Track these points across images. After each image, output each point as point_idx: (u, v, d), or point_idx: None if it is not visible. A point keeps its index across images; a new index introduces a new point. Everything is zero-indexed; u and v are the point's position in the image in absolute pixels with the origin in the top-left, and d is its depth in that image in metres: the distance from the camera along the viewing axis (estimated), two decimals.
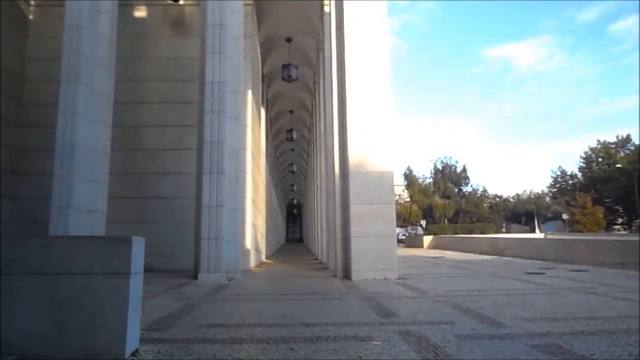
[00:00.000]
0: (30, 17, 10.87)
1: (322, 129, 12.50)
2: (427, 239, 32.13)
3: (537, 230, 58.31)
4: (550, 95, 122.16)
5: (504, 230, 63.32)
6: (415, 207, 63.26)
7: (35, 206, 8.67)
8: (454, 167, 70.41)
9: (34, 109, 10.13)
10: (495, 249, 18.80)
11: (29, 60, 10.56)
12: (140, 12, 11.31)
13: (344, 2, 8.12)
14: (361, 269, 7.34)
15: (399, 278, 7.30)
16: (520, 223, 69.19)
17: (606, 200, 58.29)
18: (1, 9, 9.43)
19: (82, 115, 7.66)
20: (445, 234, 40.34)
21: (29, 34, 10.71)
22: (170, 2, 9.96)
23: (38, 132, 9.75)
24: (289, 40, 14.38)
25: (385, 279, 7.20)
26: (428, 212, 64.58)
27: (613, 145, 63.89)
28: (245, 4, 9.52)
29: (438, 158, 74.78)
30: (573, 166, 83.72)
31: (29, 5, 10.86)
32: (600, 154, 64.91)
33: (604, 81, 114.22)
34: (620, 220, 60.81)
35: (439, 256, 16.45)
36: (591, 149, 66.52)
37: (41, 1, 10.93)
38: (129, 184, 10.04)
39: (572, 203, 58.47)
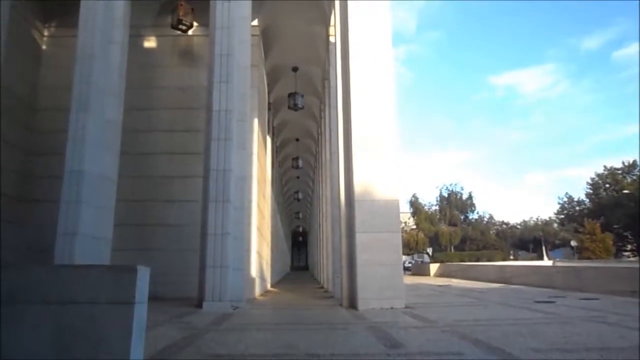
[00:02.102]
0: (44, 47, 11.15)
1: (328, 157, 12.57)
2: (434, 267, 31.78)
3: (545, 257, 57.57)
4: (557, 122, 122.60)
5: (511, 257, 62.64)
6: (421, 235, 62.83)
7: (42, 233, 8.69)
8: (459, 194, 70.27)
9: (45, 137, 10.27)
10: (503, 276, 18.54)
11: (42, 89, 10.78)
12: (150, 43, 11.57)
13: (349, 33, 8.28)
14: (367, 298, 7.24)
15: (406, 307, 7.20)
16: (527, 250, 68.43)
17: (615, 226, 57.67)
18: (17, 41, 9.68)
19: (91, 143, 7.76)
20: (452, 262, 39.92)
21: (42, 64, 10.97)
22: (180, 33, 10.18)
23: (48, 160, 9.86)
24: (295, 69, 14.61)
25: (392, 308, 7.09)
26: (434, 240, 64.15)
27: (620, 171, 63.60)
28: (253, 35, 9.72)
29: (443, 185, 74.62)
30: (580, 192, 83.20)
31: (43, 36, 11.16)
32: (607, 179, 64.59)
33: (609, 108, 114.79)
34: (629, 247, 59.98)
35: (446, 284, 16.24)
36: (598, 175, 66.25)
37: (55, 32, 11.22)
38: (135, 211, 10.07)
39: (581, 230, 57.85)
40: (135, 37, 10.24)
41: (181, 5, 9.69)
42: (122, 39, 8.73)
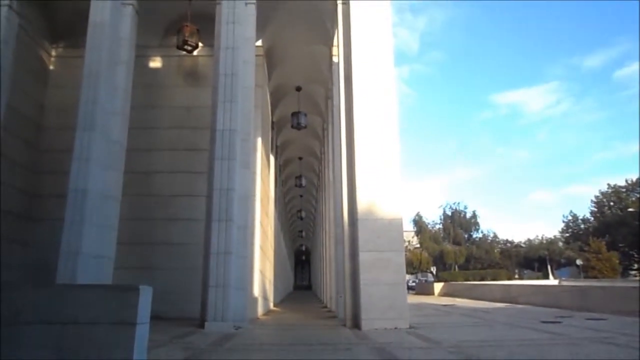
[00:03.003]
0: (51, 67, 11.31)
1: (331, 176, 12.58)
2: (438, 286, 31.52)
3: (550, 276, 56.98)
4: (560, 140, 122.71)
5: (516, 276, 61.98)
6: (425, 254, 62.42)
7: (45, 251, 8.68)
8: (463, 213, 69.93)
9: (50, 156, 10.35)
10: (508, 296, 18.35)
11: (48, 108, 10.90)
12: (156, 63, 11.73)
13: (352, 53, 8.37)
14: (371, 318, 7.17)
15: (410, 327, 7.11)
16: (533, 269, 67.69)
17: (620, 245, 57.12)
18: (25, 61, 9.82)
19: (96, 162, 7.82)
20: (456, 281, 39.55)
21: (49, 83, 11.11)
22: (185, 53, 10.31)
23: (52, 179, 9.91)
24: (298, 89, 14.73)
25: (395, 328, 7.01)
26: (438, 259, 63.64)
27: (624, 189, 63.29)
28: (257, 55, 9.82)
29: (447, 204, 74.28)
30: (584, 211, 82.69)
31: (51, 56, 11.32)
32: (612, 198, 64.25)
33: (612, 126, 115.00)
34: (636, 266, 59.28)
35: (451, 304, 16.06)
36: (602, 193, 65.92)
37: (62, 52, 11.39)
38: (138, 230, 10.07)
39: (586, 248, 57.28)
40: (141, 57, 10.39)
41: (187, 26, 9.82)
42: (128, 59, 8.86)
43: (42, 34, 10.86)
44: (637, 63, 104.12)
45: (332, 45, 11.32)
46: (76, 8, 9.59)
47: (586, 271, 54.34)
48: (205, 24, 9.65)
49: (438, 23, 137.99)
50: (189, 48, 10.03)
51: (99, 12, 8.45)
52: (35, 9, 10.17)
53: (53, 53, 11.39)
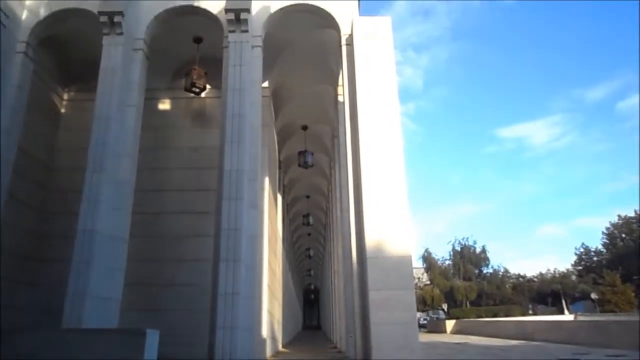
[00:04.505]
0: (63, 110, 11.57)
1: (339, 214, 12.56)
2: (450, 324, 30.83)
3: (565, 311, 55.56)
4: (567, 173, 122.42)
5: (530, 312, 60.52)
6: (436, 291, 61.37)
7: (52, 293, 8.64)
8: (472, 248, 69.13)
9: (59, 197, 10.44)
10: (523, 332, 17.86)
11: (58, 150, 11.09)
12: (164, 105, 11.97)
13: (357, 93, 8.50)
14: (382, 358, 6.98)
15: None
16: (546, 304, 66.08)
17: (634, 277, 55.86)
18: (37, 104, 10.07)
19: (104, 203, 7.90)
20: (469, 318, 38.69)
21: (60, 126, 11.34)
22: (193, 95, 10.54)
23: (61, 219, 9.95)
24: (304, 128, 14.91)
25: None
26: (449, 295, 62.49)
27: (634, 220, 62.48)
28: (263, 96, 10.01)
29: (456, 239, 73.36)
30: (595, 242, 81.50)
31: (63, 100, 11.61)
32: (623, 229, 63.36)
33: (619, 157, 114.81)
34: None
35: (464, 342, 15.65)
36: (613, 225, 65.14)
37: (74, 96, 11.68)
38: (145, 271, 10.00)
39: (600, 281, 56.08)
40: (150, 100, 10.60)
41: (195, 69, 10.08)
42: (138, 101, 9.06)
43: (55, 78, 11.18)
44: (638, 95, 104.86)
45: (337, 85, 11.54)
46: (88, 54, 9.92)
47: (602, 305, 52.99)
48: (212, 67, 9.90)
49: (441, 60, 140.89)
50: (197, 90, 10.26)
51: (111, 58, 8.73)
52: (49, 54, 10.49)
53: (65, 97, 11.68)
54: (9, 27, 8.85)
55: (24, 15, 9.35)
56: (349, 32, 9.11)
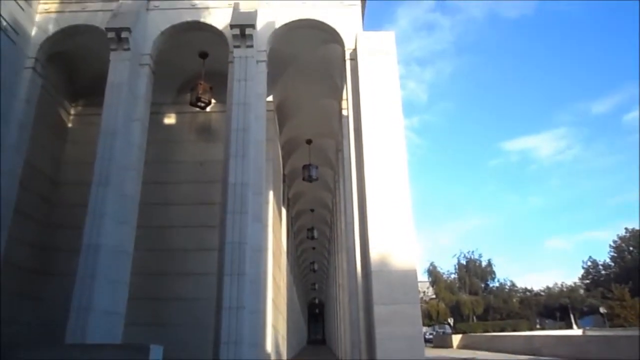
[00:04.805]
0: (70, 125, 11.68)
1: (343, 227, 12.52)
2: (456, 338, 30.52)
3: (574, 326, 54.84)
4: (573, 186, 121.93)
5: (538, 326, 59.77)
6: (442, 305, 60.80)
7: (56, 307, 8.63)
8: (478, 262, 68.62)
9: (65, 210, 10.47)
10: (531, 347, 17.64)
11: (64, 164, 11.16)
12: (170, 119, 12.06)
13: (361, 106, 8.53)
14: None
15: None
16: (554, 319, 65.25)
17: None
18: (44, 118, 10.16)
19: (109, 217, 7.92)
20: (475, 332, 38.24)
21: (67, 140, 11.44)
22: (198, 109, 10.62)
23: (66, 233, 9.97)
24: (309, 142, 14.96)
25: None
26: (455, 310, 61.84)
27: None
28: (268, 110, 10.09)
29: (461, 252, 72.86)
30: (603, 255, 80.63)
31: (70, 114, 11.73)
32: (631, 242, 62.74)
33: (625, 170, 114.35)
34: None
35: (471, 357, 15.46)
36: (620, 238, 64.55)
37: (81, 110, 11.80)
38: (150, 285, 9.98)
39: (609, 295, 55.38)
40: (156, 114, 10.70)
41: (200, 84, 10.18)
42: (143, 116, 9.14)
43: (63, 93, 11.31)
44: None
45: (341, 99, 11.59)
46: (95, 69, 10.06)
47: (611, 319, 52.27)
48: (218, 81, 9.98)
49: (445, 74, 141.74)
50: (203, 104, 10.35)
51: (118, 73, 8.82)
52: (57, 70, 10.62)
53: (72, 111, 11.79)
54: (18, 44, 8.99)
55: (34, 31, 9.49)
56: (353, 47, 9.18)
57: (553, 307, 66.88)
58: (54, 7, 9.70)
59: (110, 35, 8.88)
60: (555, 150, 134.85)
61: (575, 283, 71.64)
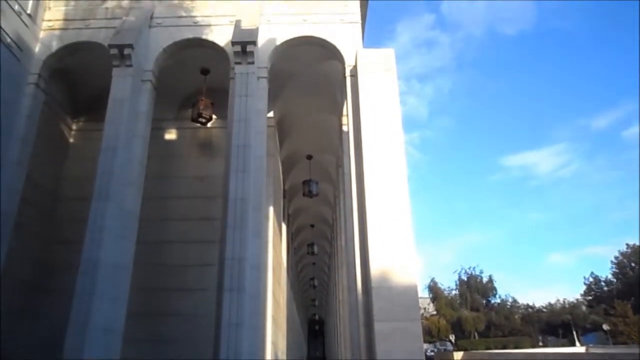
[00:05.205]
0: (71, 140, 11.71)
1: (343, 243, 12.49)
2: (458, 355, 30.11)
3: (577, 343, 54.22)
4: (574, 201, 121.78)
5: (540, 344, 59.11)
6: (443, 321, 60.24)
7: (55, 324, 8.56)
8: (479, 278, 68.19)
9: (65, 226, 10.42)
10: None
11: (65, 179, 11.15)
12: (171, 135, 12.10)
13: (361, 123, 8.58)
14: None
15: None
16: (557, 335, 64.58)
17: None
18: (46, 134, 10.19)
19: (110, 232, 7.92)
20: (477, 350, 37.81)
21: (68, 156, 11.43)
22: (199, 125, 10.67)
23: (66, 249, 9.89)
24: (309, 157, 14.99)
25: None
26: (456, 326, 61.28)
27: None
28: (269, 126, 10.12)
29: (462, 268, 72.33)
30: (604, 271, 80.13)
31: (71, 130, 11.76)
32: (632, 258, 62.41)
33: (626, 185, 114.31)
34: None
35: None
36: (622, 254, 64.23)
37: (83, 126, 11.83)
38: (148, 300, 9.89)
39: (612, 312, 54.88)
40: (157, 130, 10.73)
41: (202, 100, 10.25)
42: (145, 132, 9.19)
43: (65, 109, 11.36)
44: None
45: (341, 115, 11.66)
46: (97, 85, 10.12)
47: (614, 336, 51.72)
48: (219, 98, 10.06)
49: (445, 90, 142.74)
50: (204, 120, 10.41)
51: (120, 89, 8.90)
52: (60, 85, 10.70)
53: (74, 127, 11.82)
54: (22, 61, 9.07)
55: (37, 47, 9.59)
56: (354, 64, 9.27)
57: (555, 323, 66.27)
58: (57, 24, 9.82)
59: (113, 51, 8.98)
60: (555, 166, 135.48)
61: (577, 299, 71.16)
